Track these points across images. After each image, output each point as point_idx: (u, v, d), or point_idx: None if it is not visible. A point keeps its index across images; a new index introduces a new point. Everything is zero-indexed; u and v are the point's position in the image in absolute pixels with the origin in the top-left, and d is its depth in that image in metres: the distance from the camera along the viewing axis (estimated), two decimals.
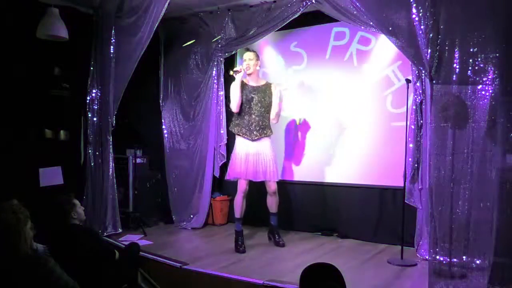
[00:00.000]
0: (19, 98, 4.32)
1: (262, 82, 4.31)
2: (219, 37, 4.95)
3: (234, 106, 4.20)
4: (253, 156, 4.14)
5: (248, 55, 4.25)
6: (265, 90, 4.24)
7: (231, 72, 4.21)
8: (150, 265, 3.74)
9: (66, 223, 3.03)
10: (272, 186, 4.20)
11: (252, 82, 4.26)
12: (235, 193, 5.33)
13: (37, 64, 4.47)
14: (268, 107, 4.23)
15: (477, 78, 2.75)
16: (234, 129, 4.28)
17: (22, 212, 2.12)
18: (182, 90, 5.31)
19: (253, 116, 4.18)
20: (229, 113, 5.27)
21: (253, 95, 4.19)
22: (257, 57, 4.30)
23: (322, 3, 4.08)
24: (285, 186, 4.96)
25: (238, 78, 4.15)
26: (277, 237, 4.30)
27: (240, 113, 4.21)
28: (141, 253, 3.69)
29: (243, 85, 4.21)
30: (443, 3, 2.85)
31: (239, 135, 4.21)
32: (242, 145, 4.19)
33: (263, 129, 4.19)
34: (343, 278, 1.76)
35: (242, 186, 4.17)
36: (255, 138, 4.16)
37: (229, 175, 4.30)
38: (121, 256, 3.33)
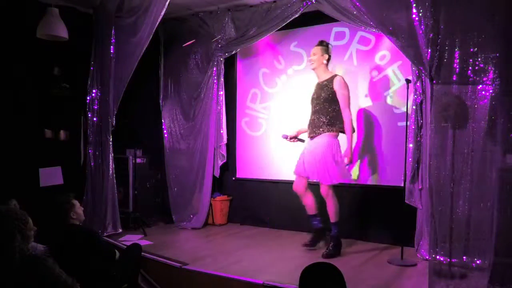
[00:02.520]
0: (19, 98, 4.32)
1: (326, 77, 4.00)
2: (219, 37, 4.96)
3: None
4: (307, 154, 4.00)
5: (313, 50, 4.05)
6: (324, 86, 3.97)
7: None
8: (150, 265, 3.74)
9: (66, 223, 3.03)
10: (320, 189, 3.94)
11: (318, 78, 4.09)
12: (235, 193, 5.40)
13: (37, 64, 4.48)
14: (324, 103, 3.94)
15: (477, 78, 2.75)
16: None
17: (17, 224, 2.11)
18: (182, 90, 5.31)
19: (311, 115, 4.05)
20: (230, 114, 5.30)
21: (314, 92, 4.06)
22: (323, 50, 4.02)
23: (322, 3, 4.08)
24: (285, 185, 4.96)
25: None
26: (328, 248, 3.96)
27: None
28: (141, 253, 3.69)
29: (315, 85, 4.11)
30: (443, 3, 2.85)
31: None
32: (306, 144, 4.11)
33: (317, 128, 3.95)
34: (343, 278, 1.75)
35: (295, 184, 4.09)
36: (311, 135, 4.02)
37: None
38: (122, 256, 3.34)
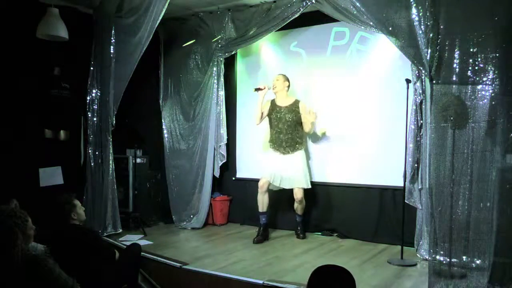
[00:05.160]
0: (19, 98, 4.32)
1: (290, 102, 4.56)
2: (219, 37, 4.96)
3: (255, 119, 4.64)
4: (286, 168, 4.48)
5: (276, 77, 4.63)
6: (292, 109, 4.51)
7: (254, 90, 4.60)
8: (150, 265, 3.74)
9: (66, 223, 3.03)
10: (298, 195, 4.47)
11: (279, 102, 4.58)
12: (235, 193, 5.40)
13: (37, 64, 4.47)
14: (296, 125, 4.51)
15: (477, 78, 2.75)
16: (269, 144, 4.65)
17: (17, 221, 2.11)
18: (182, 90, 5.31)
19: (282, 135, 4.51)
20: (230, 114, 5.30)
21: (280, 115, 4.53)
22: (285, 78, 4.60)
23: (322, 3, 4.08)
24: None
25: (261, 94, 4.54)
26: (298, 231, 4.66)
27: (272, 130, 4.61)
28: (141, 253, 3.69)
29: (273, 104, 4.60)
30: (443, 3, 2.85)
31: (274, 149, 4.58)
32: (272, 157, 4.57)
33: (292, 146, 4.51)
34: (355, 283, 1.71)
35: (262, 183, 4.52)
36: (286, 153, 4.51)
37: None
38: (121, 256, 3.34)
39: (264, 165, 4.61)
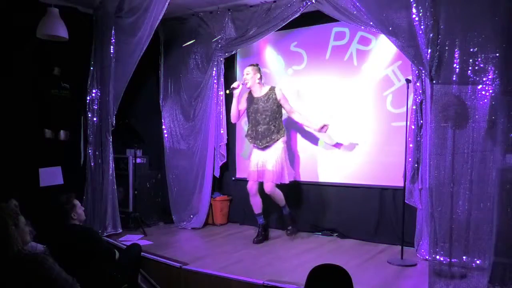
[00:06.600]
0: (19, 98, 4.32)
1: (265, 91, 4.46)
2: (219, 37, 4.96)
3: (231, 117, 4.69)
4: (266, 162, 4.39)
5: (246, 70, 4.51)
6: (268, 98, 4.41)
7: (227, 91, 4.58)
8: (150, 265, 3.74)
9: (66, 223, 3.03)
10: (266, 188, 4.36)
11: (255, 93, 4.49)
12: (235, 193, 5.41)
13: (37, 64, 4.47)
14: (274, 114, 4.40)
15: (477, 78, 2.75)
16: (247, 138, 4.60)
17: (9, 212, 2.11)
18: (182, 90, 5.31)
19: (259, 126, 4.42)
20: (229, 114, 5.30)
21: (256, 106, 4.45)
22: (256, 69, 4.48)
23: (322, 3, 4.08)
24: (285, 186, 4.96)
25: (236, 93, 4.52)
26: (288, 227, 4.60)
27: (249, 124, 4.55)
28: (141, 253, 3.69)
29: (250, 97, 4.52)
30: (443, 3, 2.85)
31: (251, 143, 4.53)
32: (253, 157, 4.52)
33: (270, 136, 4.39)
34: (351, 281, 1.71)
35: (249, 186, 4.50)
36: (263, 146, 4.41)
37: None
38: (122, 256, 3.34)
39: (248, 166, 4.57)
